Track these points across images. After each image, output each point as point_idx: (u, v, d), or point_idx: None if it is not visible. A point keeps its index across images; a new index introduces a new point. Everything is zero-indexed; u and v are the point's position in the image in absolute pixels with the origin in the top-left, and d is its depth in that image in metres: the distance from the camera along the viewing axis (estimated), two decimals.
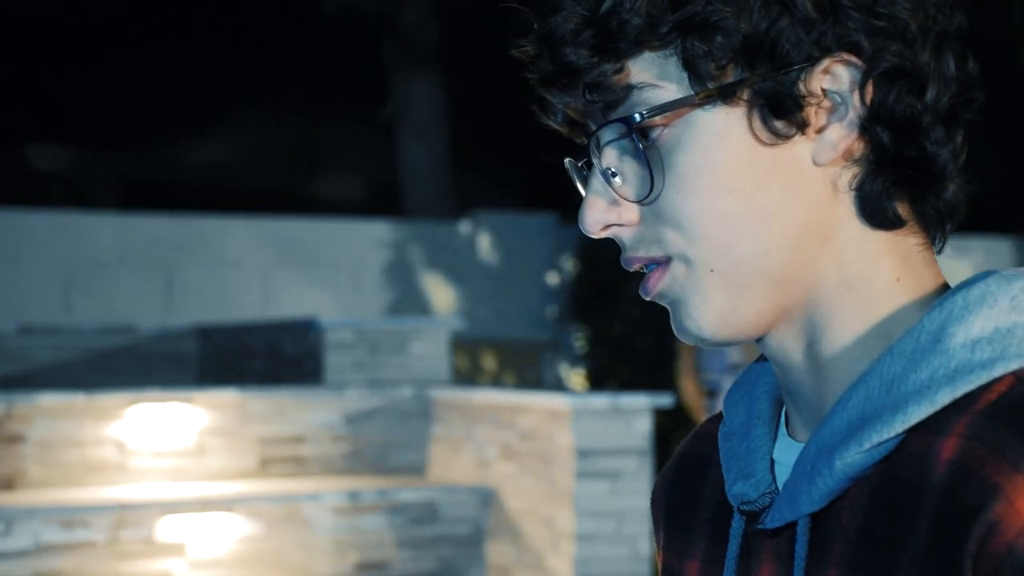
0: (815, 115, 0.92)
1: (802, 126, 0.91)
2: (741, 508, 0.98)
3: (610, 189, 0.95)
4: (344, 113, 14.23)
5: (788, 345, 0.96)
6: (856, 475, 0.90)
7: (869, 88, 0.91)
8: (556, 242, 10.60)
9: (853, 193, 0.93)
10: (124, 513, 5.51)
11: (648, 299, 0.99)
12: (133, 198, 13.88)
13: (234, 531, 5.72)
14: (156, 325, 9.24)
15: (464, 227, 10.66)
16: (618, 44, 0.93)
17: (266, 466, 6.27)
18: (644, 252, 0.95)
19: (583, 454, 5.51)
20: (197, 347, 8.60)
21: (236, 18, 14.15)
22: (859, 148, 0.92)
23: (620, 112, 0.94)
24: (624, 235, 0.96)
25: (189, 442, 6.18)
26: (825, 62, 0.91)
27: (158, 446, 6.13)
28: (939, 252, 0.98)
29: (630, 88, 0.93)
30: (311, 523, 5.81)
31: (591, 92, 0.94)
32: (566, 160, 1.00)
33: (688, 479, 1.10)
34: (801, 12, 0.90)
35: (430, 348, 6.72)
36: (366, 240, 10.32)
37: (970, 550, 0.83)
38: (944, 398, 0.88)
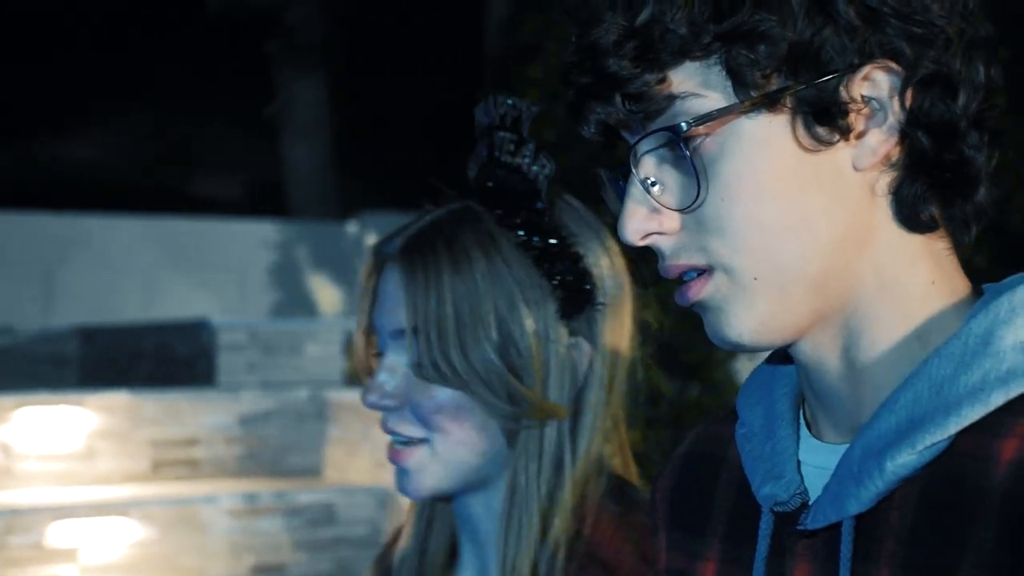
0: (856, 121, 0.93)
1: (845, 132, 0.92)
2: (774, 509, 0.98)
3: (650, 198, 0.95)
4: (227, 111, 14.06)
5: (823, 349, 0.96)
6: (906, 476, 0.92)
7: (909, 94, 0.92)
8: None
9: (890, 197, 0.94)
10: (12, 518, 5.39)
11: (687, 306, 0.98)
12: (11, 196, 13.56)
13: (127, 535, 5.63)
14: (35, 326, 9.05)
15: (351, 228, 10.60)
16: (660, 54, 0.93)
17: (158, 469, 6.18)
18: (686, 260, 0.96)
19: None
20: (79, 348, 8.44)
21: (119, 11, 13.91)
22: (896, 153, 0.94)
23: (662, 121, 0.95)
24: (664, 243, 0.96)
25: (78, 445, 6.06)
26: (866, 68, 0.92)
27: (46, 450, 6.01)
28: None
29: (672, 97, 0.94)
30: (206, 526, 5.75)
31: (633, 102, 0.94)
32: (600, 171, 1.00)
33: (695, 481, 1.09)
34: (844, 20, 0.91)
35: (324, 349, 6.68)
36: (252, 240, 10.22)
37: None
38: (997, 399, 0.90)
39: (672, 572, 1.09)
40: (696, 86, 0.93)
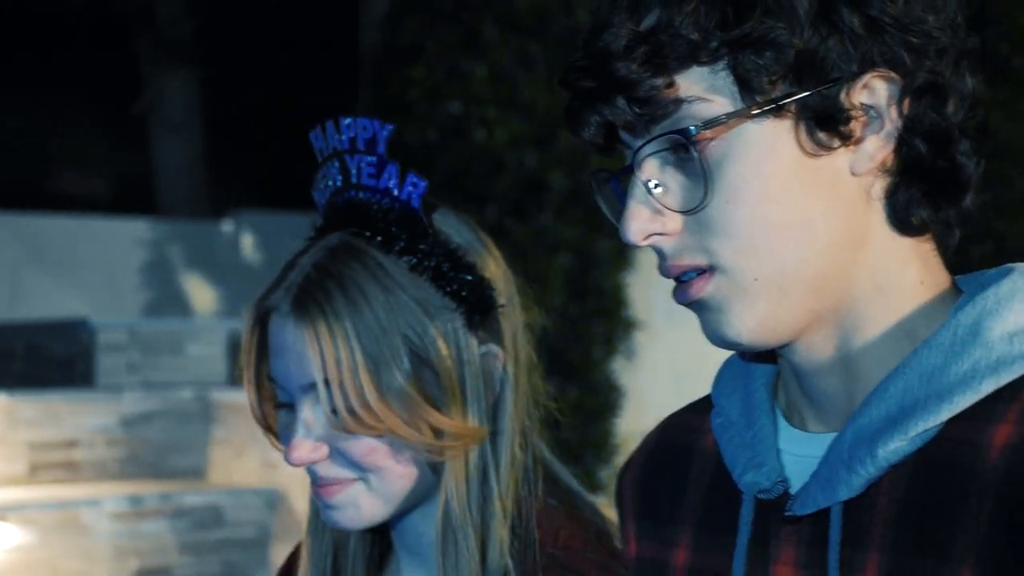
0: (855, 127, 0.96)
1: (845, 138, 0.96)
2: (758, 496, 1.01)
3: (652, 199, 0.98)
4: (94, 107, 13.79)
5: (817, 347, 1.00)
6: (896, 463, 0.95)
7: (906, 103, 0.96)
8: None
9: (884, 202, 0.98)
10: None
11: (684, 305, 1.01)
12: None
13: (5, 540, 5.49)
14: None
15: (226, 226, 10.48)
16: (668, 59, 0.96)
17: (37, 472, 6.03)
18: (688, 261, 0.98)
19: None
20: None
21: None
22: (891, 159, 0.97)
23: (667, 125, 0.97)
24: (665, 244, 0.99)
25: None
26: (865, 77, 0.96)
27: None
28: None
29: (679, 101, 0.96)
30: (88, 530, 5.63)
31: (640, 106, 0.96)
32: (590, 175, 1.03)
33: (665, 471, 1.12)
34: (848, 28, 0.95)
35: (207, 349, 6.59)
36: (122, 239, 10.03)
37: None
38: (988, 387, 0.94)
39: (643, 561, 1.12)
40: (703, 90, 0.96)
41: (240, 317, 1.38)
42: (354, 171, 1.38)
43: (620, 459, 7.19)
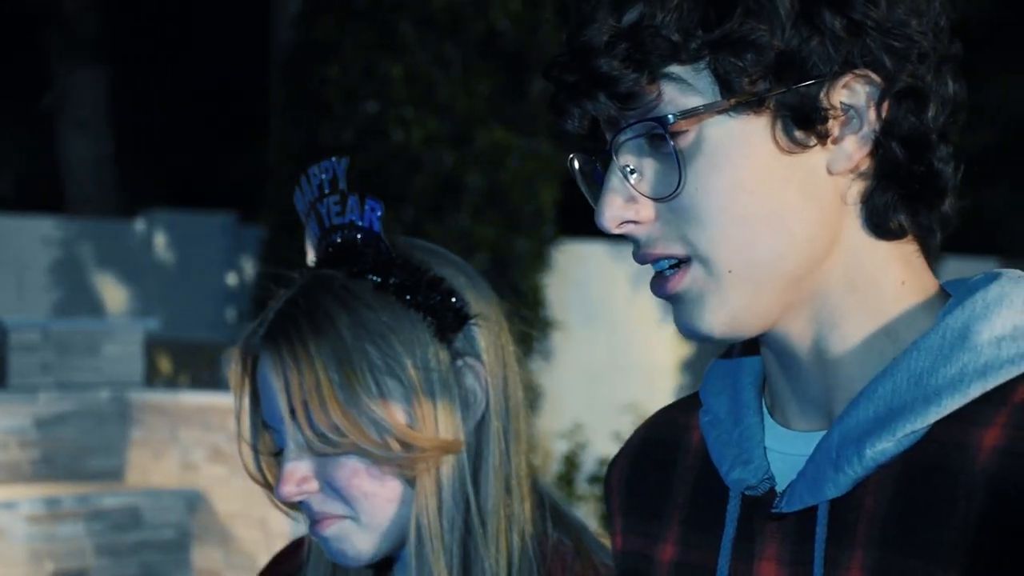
0: (832, 127, 0.98)
1: (822, 137, 0.97)
2: (745, 493, 1.03)
3: (628, 186, 0.99)
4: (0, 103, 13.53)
5: (793, 338, 1.01)
6: (883, 463, 0.97)
7: (885, 105, 0.98)
8: (235, 242, 10.43)
9: (860, 206, 0.99)
10: None
11: (662, 298, 1.03)
12: None
13: None
14: None
15: (139, 225, 10.35)
16: (650, 56, 0.97)
17: None
18: (662, 249, 0.99)
19: None
20: None
21: None
22: (867, 163, 0.99)
23: (648, 114, 0.98)
24: (638, 232, 1.00)
25: None
26: (846, 77, 0.97)
27: None
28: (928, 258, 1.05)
29: (659, 95, 0.98)
30: (3, 533, 5.54)
31: (621, 101, 0.98)
32: (570, 159, 1.03)
33: (652, 465, 1.13)
34: (830, 31, 0.96)
35: (123, 349, 6.51)
36: (31, 237, 9.87)
37: None
38: (976, 391, 0.96)
39: (629, 554, 1.13)
40: (683, 85, 0.97)
41: (156, 316, 1.37)
42: (325, 215, 1.42)
43: (537, 460, 7.19)
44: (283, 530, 5.55)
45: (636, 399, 9.16)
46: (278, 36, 10.54)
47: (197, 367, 9.80)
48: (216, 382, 10.00)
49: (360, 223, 1.39)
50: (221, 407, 5.85)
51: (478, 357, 1.38)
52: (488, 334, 1.39)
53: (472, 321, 1.38)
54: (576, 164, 1.03)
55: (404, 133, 7.82)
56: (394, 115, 7.94)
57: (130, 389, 6.33)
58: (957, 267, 11.08)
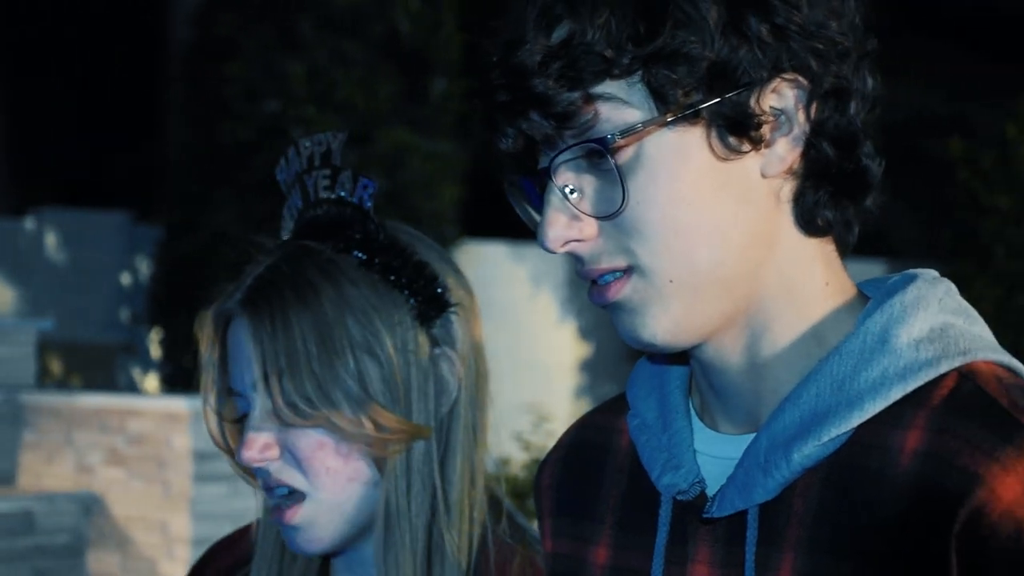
0: (764, 132, 0.99)
1: (755, 142, 0.99)
2: (676, 498, 1.04)
3: (569, 205, 0.99)
4: None
5: (726, 349, 1.03)
6: (810, 467, 0.99)
7: (814, 106, 1.00)
8: (130, 242, 10.29)
9: (792, 204, 1.01)
10: None
11: (601, 306, 1.03)
12: None
13: None
14: None
15: (29, 224, 10.17)
16: (583, 73, 0.97)
17: None
18: (607, 264, 1.00)
19: (201, 457, 5.42)
20: None
21: None
22: (799, 163, 1.01)
23: (585, 134, 0.99)
24: (583, 250, 1.00)
25: None
26: (774, 82, 0.99)
27: None
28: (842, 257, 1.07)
29: (596, 113, 0.98)
30: None
31: (556, 120, 0.98)
32: (506, 183, 1.03)
33: (582, 469, 1.14)
34: (757, 37, 0.98)
35: (15, 350, 6.39)
36: None
37: (955, 531, 0.93)
38: (896, 394, 0.98)
39: (560, 557, 1.13)
40: (618, 101, 0.98)
41: (49, 317, 1.34)
42: (311, 188, 1.41)
43: None
44: (184, 534, 5.48)
45: (536, 399, 9.19)
46: (174, 33, 10.43)
47: (91, 368, 9.65)
48: (112, 383, 9.86)
49: (349, 199, 1.39)
50: (119, 409, 5.77)
51: (453, 347, 1.39)
52: (464, 324, 1.40)
53: (452, 309, 1.38)
54: (509, 184, 1.03)
55: (305, 132, 7.77)
56: (295, 114, 7.89)
57: (22, 391, 6.21)
58: (850, 270, 11.12)
